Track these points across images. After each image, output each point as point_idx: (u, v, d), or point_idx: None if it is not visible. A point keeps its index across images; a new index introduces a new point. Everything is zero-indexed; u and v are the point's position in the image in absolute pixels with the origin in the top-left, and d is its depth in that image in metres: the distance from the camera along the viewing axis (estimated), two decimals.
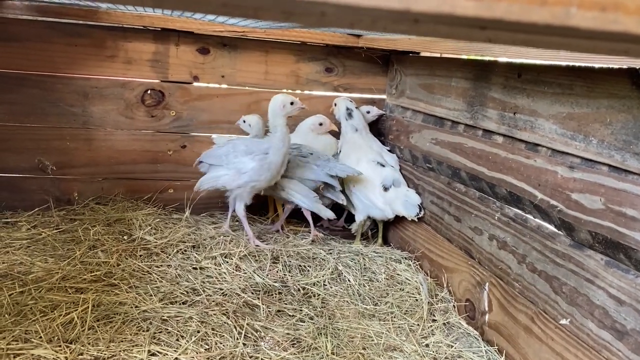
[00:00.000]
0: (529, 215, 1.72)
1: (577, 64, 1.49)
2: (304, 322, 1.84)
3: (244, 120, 2.52)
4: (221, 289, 1.96)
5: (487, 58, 1.91)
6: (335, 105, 2.64)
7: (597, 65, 1.43)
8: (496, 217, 1.84)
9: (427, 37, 1.95)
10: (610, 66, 1.38)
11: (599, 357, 1.38)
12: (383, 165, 2.45)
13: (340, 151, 2.59)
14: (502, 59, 1.83)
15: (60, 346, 1.52)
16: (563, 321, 1.51)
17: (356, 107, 2.61)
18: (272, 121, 2.26)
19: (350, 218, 2.71)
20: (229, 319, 1.75)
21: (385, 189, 2.39)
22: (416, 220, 2.35)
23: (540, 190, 1.63)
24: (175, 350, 1.56)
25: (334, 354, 1.66)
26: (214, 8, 0.54)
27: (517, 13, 0.39)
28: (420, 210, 2.31)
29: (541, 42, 0.57)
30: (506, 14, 0.39)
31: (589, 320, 1.42)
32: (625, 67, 1.33)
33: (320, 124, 2.62)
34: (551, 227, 1.61)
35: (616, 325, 1.34)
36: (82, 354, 1.50)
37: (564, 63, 1.52)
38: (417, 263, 2.34)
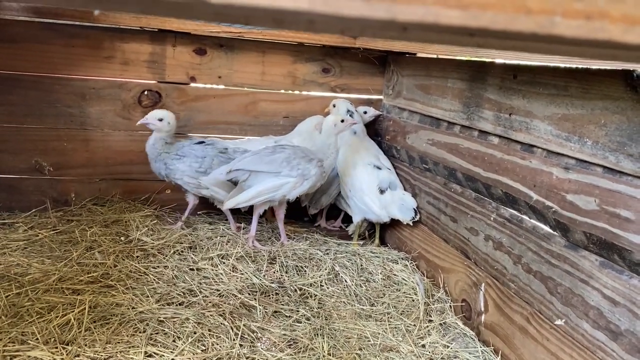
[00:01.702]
0: (524, 216, 1.72)
1: (572, 66, 1.49)
2: (301, 322, 1.84)
3: (161, 119, 2.30)
4: (218, 290, 1.96)
5: (483, 59, 1.92)
6: (334, 106, 2.64)
7: (592, 67, 1.43)
8: (492, 218, 1.85)
9: None
10: (605, 67, 1.39)
11: (593, 358, 1.39)
12: (379, 168, 2.46)
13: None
14: (498, 60, 1.83)
15: (56, 348, 1.52)
16: (558, 322, 1.52)
17: (355, 109, 2.61)
18: (326, 139, 2.31)
19: (347, 219, 2.72)
20: (225, 320, 1.76)
21: (382, 191, 2.39)
22: (411, 224, 2.35)
23: (536, 191, 1.63)
24: (171, 352, 1.57)
25: (330, 355, 1.67)
26: (206, 16, 0.54)
27: (502, 22, 0.39)
28: (416, 214, 2.31)
29: (530, 48, 0.57)
30: (491, 24, 0.39)
31: (584, 321, 1.43)
32: (619, 68, 1.34)
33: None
34: (546, 228, 1.62)
35: (610, 325, 1.34)
36: (78, 356, 1.50)
37: (559, 64, 1.53)
38: (414, 263, 2.35)
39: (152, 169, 2.40)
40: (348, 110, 2.58)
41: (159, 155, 2.36)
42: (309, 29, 0.50)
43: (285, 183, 2.19)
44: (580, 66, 1.46)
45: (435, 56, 2.34)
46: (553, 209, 1.55)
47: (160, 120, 2.31)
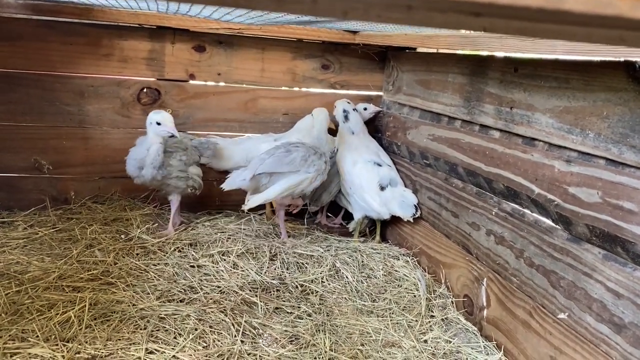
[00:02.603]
0: (526, 210, 1.71)
1: (573, 58, 1.49)
2: (302, 319, 1.84)
3: (158, 123, 2.17)
4: (219, 287, 1.95)
5: (483, 53, 1.91)
6: (335, 107, 2.64)
7: (593, 59, 1.42)
8: (494, 212, 1.84)
9: (423, 32, 1.94)
10: (607, 59, 1.38)
11: (597, 351, 1.38)
12: (380, 165, 2.45)
13: (337, 150, 2.59)
14: (499, 54, 1.82)
15: (57, 345, 1.51)
16: (561, 315, 1.51)
17: (354, 109, 2.59)
18: (320, 134, 2.47)
19: (348, 216, 2.71)
20: (226, 316, 1.75)
21: (382, 188, 2.39)
22: (412, 220, 2.35)
23: (538, 184, 1.62)
24: (172, 348, 1.56)
25: (332, 351, 1.66)
26: None
27: None
28: (416, 211, 2.31)
29: (536, 30, 0.56)
30: None
31: (587, 314, 1.42)
32: (621, 60, 1.33)
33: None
34: (548, 222, 1.61)
35: (614, 318, 1.33)
36: (79, 353, 1.49)
37: (560, 57, 1.52)
38: (415, 259, 2.34)
39: (145, 178, 2.23)
40: (344, 111, 2.57)
41: (160, 161, 2.23)
42: (312, 11, 0.49)
43: (305, 179, 2.28)
44: (581, 58, 1.46)
45: (435, 50, 2.33)
46: (555, 202, 1.54)
47: (158, 124, 2.19)
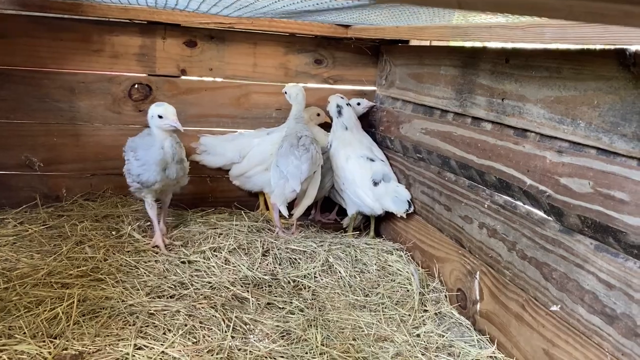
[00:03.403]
0: (518, 202, 1.70)
1: (563, 46, 1.47)
2: (294, 314, 1.82)
3: (160, 116, 1.99)
4: (210, 283, 1.93)
5: (475, 44, 1.89)
6: (329, 102, 2.63)
7: (584, 47, 1.41)
8: (486, 205, 1.82)
9: (414, 24, 1.92)
10: (598, 47, 1.36)
11: (589, 342, 1.37)
12: (373, 160, 2.43)
13: (330, 145, 2.57)
14: (490, 45, 1.80)
15: (44, 341, 1.49)
16: (553, 307, 1.49)
17: (347, 104, 2.58)
18: (300, 112, 2.48)
19: (342, 212, 2.70)
20: (217, 312, 1.73)
21: (375, 183, 2.37)
22: (404, 216, 2.33)
23: (529, 176, 1.61)
24: (162, 344, 1.54)
25: (324, 345, 1.64)
26: None
27: None
28: (410, 206, 2.29)
29: (514, 6, 0.55)
30: None
31: (579, 306, 1.40)
32: (612, 48, 1.31)
33: (318, 115, 2.69)
34: (540, 213, 1.59)
35: (606, 309, 1.32)
36: (66, 349, 1.47)
37: (549, 45, 1.50)
38: (409, 254, 2.32)
39: (170, 177, 2.05)
40: (337, 106, 2.56)
41: (175, 156, 2.05)
42: None
43: (319, 171, 2.42)
44: (572, 46, 1.44)
45: (427, 43, 2.31)
46: (547, 194, 1.53)
47: (160, 117, 1.99)
